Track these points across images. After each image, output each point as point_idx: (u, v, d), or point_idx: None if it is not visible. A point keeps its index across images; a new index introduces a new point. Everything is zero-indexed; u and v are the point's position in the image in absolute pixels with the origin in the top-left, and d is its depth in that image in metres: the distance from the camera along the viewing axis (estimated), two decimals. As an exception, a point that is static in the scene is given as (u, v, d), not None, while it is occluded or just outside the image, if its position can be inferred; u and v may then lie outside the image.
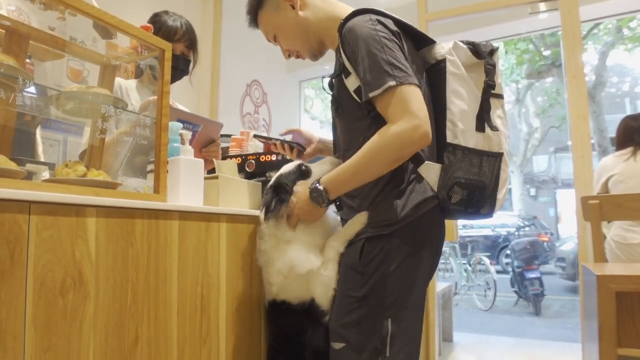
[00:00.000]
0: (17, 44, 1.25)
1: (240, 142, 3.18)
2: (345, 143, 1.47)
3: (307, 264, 1.41)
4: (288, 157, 2.84)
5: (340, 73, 1.41)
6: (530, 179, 17.45)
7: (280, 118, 6.10)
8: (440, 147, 1.38)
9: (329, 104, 1.58)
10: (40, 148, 3.23)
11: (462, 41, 1.42)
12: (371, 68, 1.28)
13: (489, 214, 1.42)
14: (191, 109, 3.04)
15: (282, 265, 1.43)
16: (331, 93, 1.52)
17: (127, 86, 2.09)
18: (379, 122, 1.31)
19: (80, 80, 3.29)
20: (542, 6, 3.77)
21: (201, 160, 1.45)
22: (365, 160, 1.30)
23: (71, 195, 1.00)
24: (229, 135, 3.27)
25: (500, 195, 1.41)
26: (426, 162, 1.36)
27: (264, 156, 2.94)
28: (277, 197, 1.43)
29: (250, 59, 5.53)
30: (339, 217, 1.54)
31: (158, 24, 1.97)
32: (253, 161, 2.91)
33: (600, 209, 2.51)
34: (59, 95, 1.25)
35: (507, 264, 7.77)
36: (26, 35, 1.28)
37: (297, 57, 1.63)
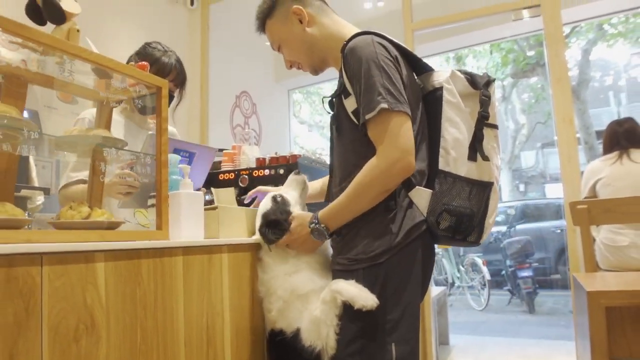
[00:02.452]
0: (16, 88, 1.27)
1: (232, 156, 3.21)
2: (340, 162, 1.51)
3: (307, 285, 1.47)
4: (281, 172, 2.87)
5: (340, 93, 1.45)
6: (519, 175, 17.58)
7: (270, 127, 6.13)
8: (431, 174, 1.42)
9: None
10: (34, 172, 3.24)
11: (459, 70, 1.47)
12: (367, 90, 1.34)
13: (476, 242, 1.45)
14: (181, 123, 3.05)
15: (282, 292, 1.48)
16: (331, 113, 1.56)
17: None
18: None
19: (70, 100, 3.31)
20: (525, 13, 3.84)
21: (200, 193, 1.49)
22: (355, 194, 1.37)
23: (81, 243, 1.03)
24: (221, 150, 3.29)
25: (488, 222, 1.45)
26: (417, 187, 1.40)
27: (257, 171, 2.98)
28: (273, 228, 1.52)
29: (239, 70, 5.56)
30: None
31: (151, 57, 1.97)
32: (246, 176, 2.95)
33: (589, 213, 2.57)
34: (59, 140, 1.28)
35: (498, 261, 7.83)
36: (25, 79, 1.30)
37: (299, 68, 1.67)
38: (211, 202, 2.01)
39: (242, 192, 2.75)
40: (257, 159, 2.98)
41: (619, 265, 2.90)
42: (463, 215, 1.40)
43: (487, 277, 6.77)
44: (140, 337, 1.15)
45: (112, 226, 1.23)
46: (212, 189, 1.82)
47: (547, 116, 14.41)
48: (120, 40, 4.18)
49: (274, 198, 1.60)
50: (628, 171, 3.00)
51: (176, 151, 1.82)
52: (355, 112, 1.41)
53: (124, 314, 1.11)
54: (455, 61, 12.16)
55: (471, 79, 1.46)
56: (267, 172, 2.85)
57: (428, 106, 1.49)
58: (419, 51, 4.23)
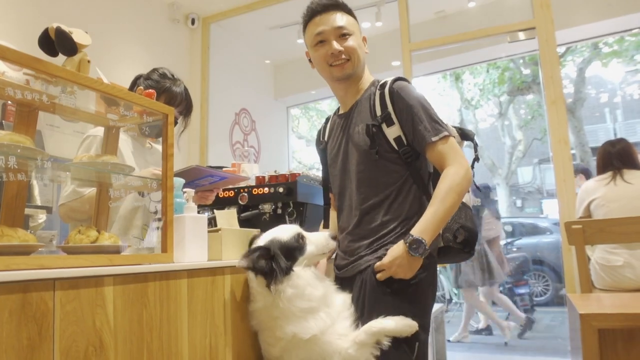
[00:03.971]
0: (28, 118, 1.31)
1: (232, 173, 3.25)
2: (369, 180, 1.66)
3: (308, 330, 1.44)
4: (280, 190, 2.90)
5: (382, 122, 1.64)
6: (516, 191, 17.64)
7: (269, 143, 6.19)
8: None
9: (314, 123, 1.80)
10: (36, 190, 3.26)
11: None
12: (428, 120, 1.60)
13: (474, 253, 1.72)
14: (181, 140, 3.10)
15: (282, 334, 1.46)
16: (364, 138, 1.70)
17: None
18: (411, 167, 1.64)
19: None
20: (521, 35, 3.92)
21: (204, 216, 1.53)
22: (453, 198, 1.52)
23: (91, 268, 1.07)
24: (221, 167, 3.33)
25: None
26: None
27: (256, 189, 3.01)
28: (270, 265, 1.46)
29: (238, 88, 5.63)
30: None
31: (162, 87, 2.01)
32: (246, 194, 2.98)
33: (584, 233, 2.62)
34: (68, 166, 1.32)
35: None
36: (36, 107, 1.35)
37: (345, 60, 1.71)
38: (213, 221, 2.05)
39: (241, 209, 2.78)
40: (257, 177, 3.02)
41: (614, 285, 2.94)
42: (472, 231, 1.67)
43: (484, 294, 6.76)
44: (147, 358, 1.18)
45: (118, 249, 1.27)
46: (215, 210, 1.86)
47: (543, 132, 14.50)
48: (121, 57, 4.25)
49: (299, 236, 1.55)
50: (622, 192, 3.05)
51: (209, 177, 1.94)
52: (397, 139, 1.64)
53: (131, 336, 1.14)
54: (454, 78, 12.28)
55: (462, 132, 1.79)
56: (266, 190, 2.89)
57: None
58: (416, 70, 4.31)
